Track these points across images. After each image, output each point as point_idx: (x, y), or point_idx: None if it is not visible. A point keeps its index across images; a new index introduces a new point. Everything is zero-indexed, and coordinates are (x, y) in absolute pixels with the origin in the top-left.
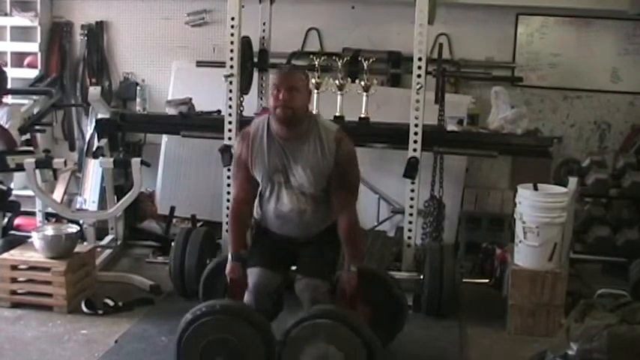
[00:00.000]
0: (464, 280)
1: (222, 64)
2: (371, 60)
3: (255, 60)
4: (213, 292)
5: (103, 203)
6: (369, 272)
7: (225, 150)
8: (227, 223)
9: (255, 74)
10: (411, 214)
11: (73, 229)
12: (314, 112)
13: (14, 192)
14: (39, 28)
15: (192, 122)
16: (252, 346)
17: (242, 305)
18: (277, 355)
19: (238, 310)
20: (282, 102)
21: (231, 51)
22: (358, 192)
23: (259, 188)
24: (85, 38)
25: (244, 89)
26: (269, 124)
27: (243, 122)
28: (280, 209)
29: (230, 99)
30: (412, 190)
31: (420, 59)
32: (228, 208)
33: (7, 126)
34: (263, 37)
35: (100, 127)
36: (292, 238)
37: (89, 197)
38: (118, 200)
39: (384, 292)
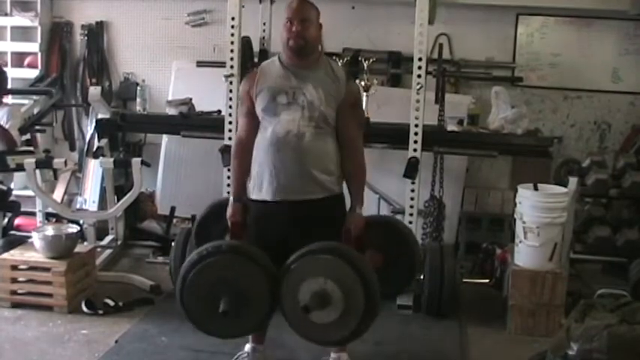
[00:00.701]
0: (464, 280)
1: (222, 64)
2: (371, 60)
3: (256, 60)
4: (208, 240)
5: (103, 203)
6: (384, 220)
7: (225, 150)
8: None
9: None
10: (411, 214)
11: (73, 229)
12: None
13: (14, 192)
14: (39, 28)
15: (192, 122)
16: (258, 285)
17: (248, 245)
18: (279, 285)
19: (245, 249)
20: (295, 33)
21: (232, 51)
22: (363, 135)
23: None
24: (85, 38)
25: None
26: (279, 58)
27: None
28: (277, 132)
29: (230, 99)
30: (412, 190)
31: (420, 59)
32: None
33: (7, 126)
34: (263, 37)
35: (100, 127)
36: (291, 205)
37: (89, 197)
38: (118, 200)
39: (398, 241)
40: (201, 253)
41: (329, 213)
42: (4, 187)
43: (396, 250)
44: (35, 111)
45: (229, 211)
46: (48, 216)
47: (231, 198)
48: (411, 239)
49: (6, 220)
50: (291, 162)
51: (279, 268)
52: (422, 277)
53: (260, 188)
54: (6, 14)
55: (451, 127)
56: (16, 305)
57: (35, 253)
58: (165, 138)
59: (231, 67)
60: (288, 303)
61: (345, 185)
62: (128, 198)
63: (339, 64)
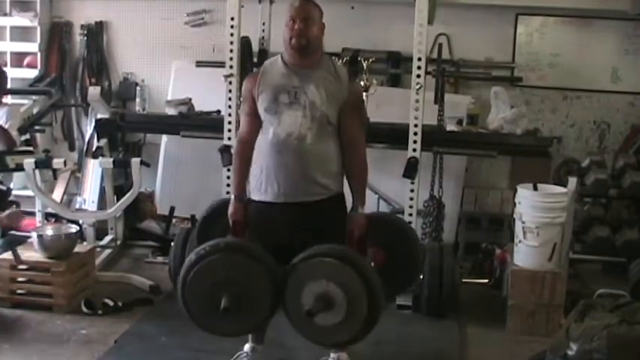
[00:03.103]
0: (464, 280)
1: (221, 64)
2: (371, 60)
3: (255, 60)
4: (210, 236)
5: (102, 203)
6: (385, 218)
7: (225, 150)
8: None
9: None
10: (410, 214)
11: (73, 229)
12: None
13: (14, 192)
14: (39, 28)
15: (191, 122)
16: (259, 282)
17: (245, 242)
18: (282, 288)
19: (242, 247)
20: (297, 31)
21: (231, 51)
22: (365, 135)
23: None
24: (85, 38)
25: None
26: (282, 57)
27: None
28: (279, 134)
29: (230, 99)
30: (412, 190)
31: (419, 59)
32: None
33: (6, 126)
34: (263, 37)
35: (100, 127)
36: (290, 207)
37: (89, 197)
38: (118, 200)
39: (399, 239)
40: (200, 253)
41: (330, 213)
42: (4, 187)
43: (397, 248)
44: (35, 111)
45: (230, 209)
46: (47, 216)
47: (232, 197)
48: (413, 237)
49: None
50: (292, 164)
51: (280, 267)
52: (421, 277)
53: (260, 189)
54: (5, 14)
55: (450, 127)
56: (15, 305)
57: (35, 253)
58: (164, 138)
59: (231, 67)
60: (292, 304)
61: (345, 182)
62: (127, 198)
63: (344, 69)
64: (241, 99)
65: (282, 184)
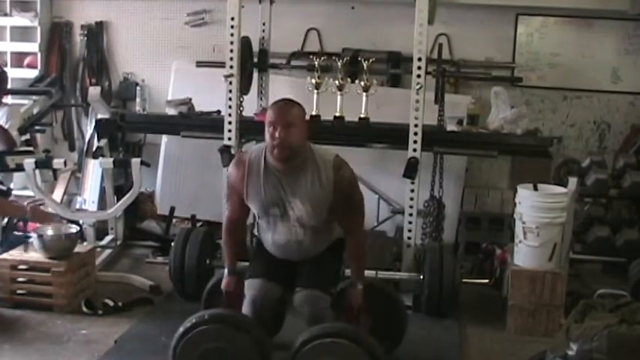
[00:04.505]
0: (464, 280)
1: (222, 64)
2: (371, 60)
3: (255, 60)
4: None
5: (102, 203)
6: (375, 285)
7: (225, 150)
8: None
9: (255, 74)
10: (410, 214)
11: (73, 229)
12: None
13: (14, 192)
14: (39, 28)
15: (192, 122)
16: (247, 352)
17: (230, 312)
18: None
19: (227, 317)
20: (279, 141)
21: (231, 51)
22: (364, 211)
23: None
24: (85, 38)
25: (244, 89)
26: (266, 157)
27: (243, 122)
28: (278, 240)
29: (230, 99)
30: (412, 190)
31: (419, 59)
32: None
33: (6, 126)
34: (263, 37)
35: (100, 127)
36: (292, 260)
37: (89, 197)
38: (118, 200)
39: (383, 301)
40: (186, 325)
41: (329, 250)
42: (4, 187)
43: (383, 311)
44: (35, 111)
45: (224, 282)
46: None
47: (226, 271)
48: (397, 300)
49: (6, 220)
50: (293, 255)
51: (285, 281)
52: (422, 277)
53: (264, 242)
54: (6, 14)
55: (451, 127)
56: (15, 305)
57: (35, 253)
58: (164, 138)
59: (231, 67)
60: None
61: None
62: (128, 198)
63: (330, 159)
64: (227, 185)
65: (281, 255)
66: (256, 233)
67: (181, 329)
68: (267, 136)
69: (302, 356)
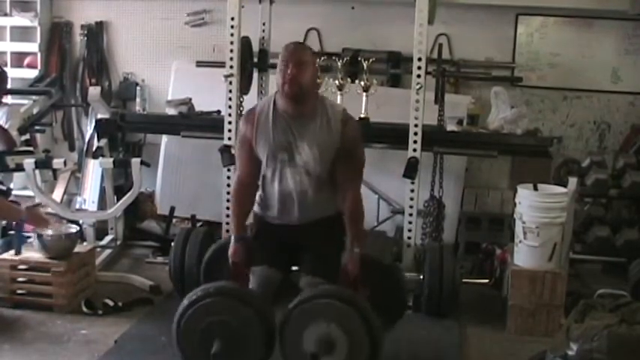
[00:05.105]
0: (464, 280)
1: (222, 64)
2: (371, 60)
3: (255, 60)
4: (215, 278)
5: (102, 203)
6: (366, 257)
7: (225, 150)
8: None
9: (255, 74)
10: (410, 214)
11: (73, 229)
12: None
13: (14, 192)
14: (39, 28)
15: (192, 122)
16: (251, 326)
17: (235, 286)
18: (279, 332)
19: (232, 290)
20: (290, 77)
21: (231, 51)
22: (363, 173)
23: (262, 171)
24: (85, 38)
25: (244, 89)
26: (275, 102)
27: None
28: (283, 190)
29: (230, 99)
30: (412, 190)
31: (419, 59)
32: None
33: (6, 126)
34: (263, 37)
35: (100, 127)
36: (292, 226)
37: (89, 197)
38: (118, 200)
39: (383, 275)
40: (191, 298)
41: (328, 229)
42: (4, 187)
43: (382, 285)
44: (35, 111)
45: (230, 250)
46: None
47: (232, 237)
48: (399, 276)
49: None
50: (295, 209)
51: (286, 267)
52: (422, 277)
53: (264, 210)
54: (6, 14)
55: (451, 127)
56: (15, 305)
57: (35, 253)
58: (164, 138)
59: (231, 67)
60: (291, 347)
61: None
62: (128, 198)
63: (339, 110)
64: (238, 140)
65: (284, 218)
66: (257, 209)
67: (186, 302)
68: (278, 76)
69: (296, 316)
